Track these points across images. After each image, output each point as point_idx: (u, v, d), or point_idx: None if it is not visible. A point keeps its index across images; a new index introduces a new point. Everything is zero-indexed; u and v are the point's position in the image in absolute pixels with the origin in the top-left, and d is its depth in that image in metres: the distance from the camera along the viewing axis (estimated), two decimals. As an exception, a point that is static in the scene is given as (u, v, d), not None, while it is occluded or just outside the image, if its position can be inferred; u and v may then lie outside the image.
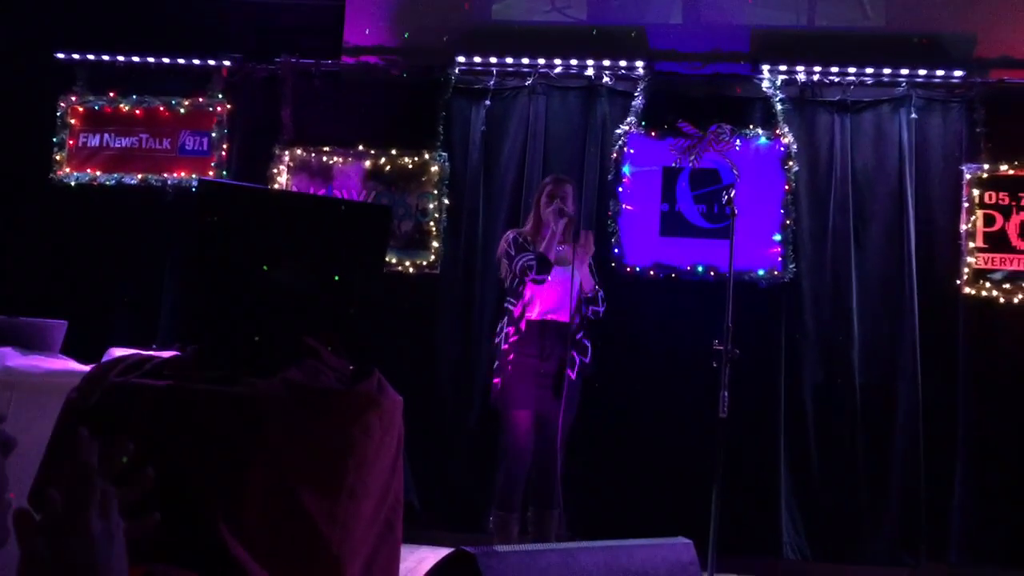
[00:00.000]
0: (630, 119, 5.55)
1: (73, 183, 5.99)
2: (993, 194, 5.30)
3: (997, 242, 5.27)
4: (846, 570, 5.21)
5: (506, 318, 4.46)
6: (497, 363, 4.48)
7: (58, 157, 6.01)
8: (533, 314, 4.42)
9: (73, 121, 6.04)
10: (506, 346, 4.40)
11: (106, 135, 6.03)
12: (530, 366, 4.35)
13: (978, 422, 5.24)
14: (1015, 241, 5.26)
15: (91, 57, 6.07)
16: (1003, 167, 5.30)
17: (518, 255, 4.41)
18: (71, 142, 6.03)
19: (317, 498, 2.38)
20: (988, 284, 5.25)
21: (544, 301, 4.44)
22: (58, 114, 6.02)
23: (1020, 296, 5.22)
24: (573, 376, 4.40)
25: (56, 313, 4.26)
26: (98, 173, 5.99)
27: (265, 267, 2.45)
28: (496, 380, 4.44)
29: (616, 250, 5.45)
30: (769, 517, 5.24)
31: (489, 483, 5.39)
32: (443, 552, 2.62)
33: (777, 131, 5.44)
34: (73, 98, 6.04)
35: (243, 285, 2.53)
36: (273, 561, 2.34)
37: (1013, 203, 5.28)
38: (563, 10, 5.89)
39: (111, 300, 5.84)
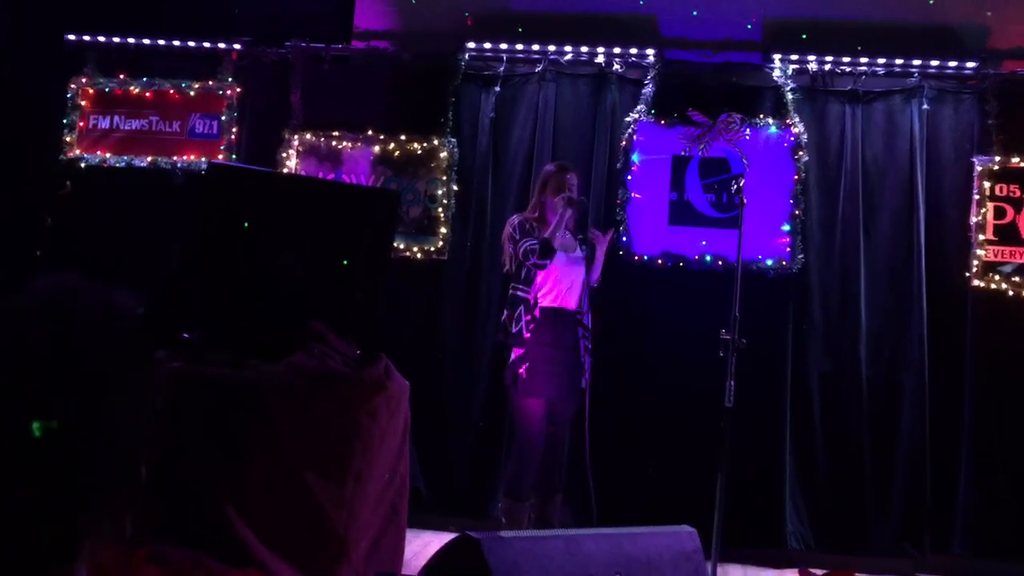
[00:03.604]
0: (640, 107, 5.53)
1: (83, 165, 6.01)
2: (1004, 187, 5.27)
3: (1007, 235, 5.25)
4: (850, 561, 5.20)
5: (522, 306, 4.43)
6: (521, 351, 4.40)
7: (68, 139, 6.02)
8: (545, 301, 4.43)
9: (83, 103, 6.04)
10: (528, 334, 4.37)
11: (116, 117, 6.03)
12: (544, 355, 4.36)
13: (984, 415, 5.22)
14: (1025, 234, 5.24)
15: (101, 39, 6.07)
16: (1015, 159, 5.26)
17: (523, 239, 4.43)
18: (81, 124, 6.04)
19: (323, 481, 2.40)
20: (997, 277, 5.23)
21: (555, 289, 4.45)
22: (68, 96, 6.03)
23: (1029, 289, 5.20)
24: (587, 373, 4.47)
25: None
26: (108, 155, 6.00)
27: (274, 253, 2.46)
28: (522, 370, 4.38)
29: (624, 238, 5.44)
30: (773, 507, 5.25)
31: (494, 468, 5.40)
32: (448, 537, 2.63)
33: (787, 121, 5.42)
34: (83, 80, 6.04)
35: (251, 269, 2.54)
36: (279, 542, 2.36)
37: (1024, 196, 5.26)
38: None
39: (119, 282, 5.85)
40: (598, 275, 4.69)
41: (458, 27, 5.84)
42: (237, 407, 2.40)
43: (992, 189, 5.26)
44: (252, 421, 2.37)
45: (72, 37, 6.05)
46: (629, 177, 5.48)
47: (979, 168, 5.29)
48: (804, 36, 5.57)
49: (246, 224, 2.56)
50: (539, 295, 4.45)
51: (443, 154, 5.68)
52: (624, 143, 5.51)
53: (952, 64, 5.41)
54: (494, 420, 5.41)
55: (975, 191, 5.29)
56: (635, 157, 5.49)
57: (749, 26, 5.60)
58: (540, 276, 4.44)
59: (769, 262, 5.34)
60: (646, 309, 5.41)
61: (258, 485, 2.37)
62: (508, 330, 4.49)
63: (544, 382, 4.37)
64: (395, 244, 5.46)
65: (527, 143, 5.71)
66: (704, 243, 5.41)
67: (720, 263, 5.37)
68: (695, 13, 5.66)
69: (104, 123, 6.04)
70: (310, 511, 2.43)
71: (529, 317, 4.41)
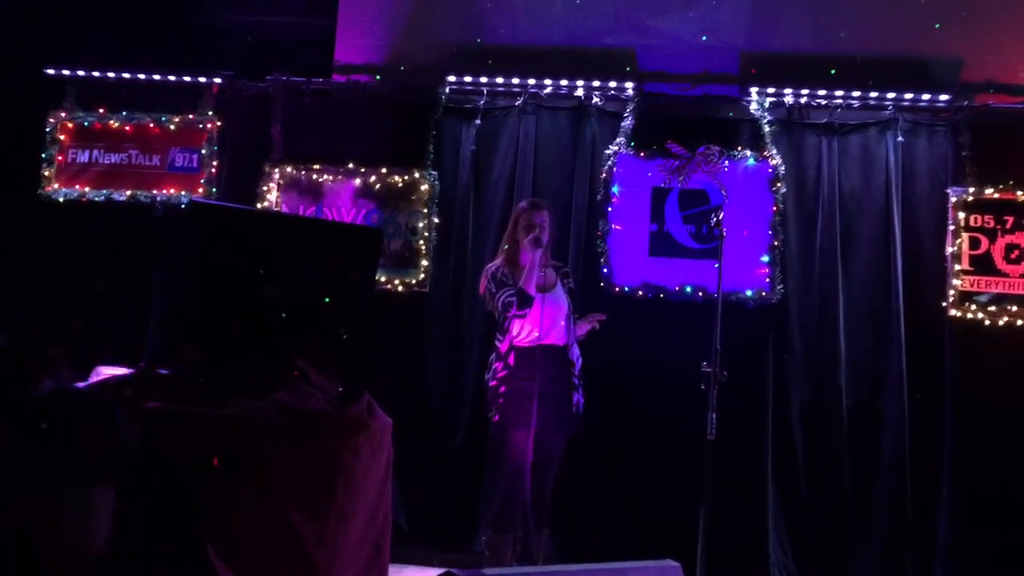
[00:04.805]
0: (619, 139, 5.58)
1: (62, 199, 5.98)
2: (978, 217, 5.34)
3: (982, 265, 5.31)
4: (833, 591, 5.22)
5: (494, 355, 4.51)
6: (489, 397, 4.49)
7: (47, 173, 5.99)
8: (525, 341, 4.44)
9: (62, 137, 6.03)
10: (494, 382, 4.44)
11: (95, 151, 6.02)
12: (526, 389, 4.36)
13: (964, 443, 5.26)
14: (1000, 264, 5.30)
15: (81, 73, 6.06)
16: (988, 190, 5.34)
17: (499, 291, 4.45)
18: (60, 158, 6.02)
19: (306, 519, 2.38)
20: (974, 306, 5.29)
21: (537, 327, 4.46)
22: (47, 130, 6.01)
23: (1006, 319, 5.26)
24: (580, 406, 4.50)
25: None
26: (87, 189, 5.98)
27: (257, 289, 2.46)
28: (495, 416, 4.45)
29: (605, 270, 5.46)
30: (756, 538, 5.25)
31: (477, 502, 5.37)
32: (430, 572, 2.61)
33: (765, 153, 5.48)
34: (63, 114, 6.03)
35: (233, 306, 2.53)
36: (261, 583, 2.33)
37: (998, 226, 5.32)
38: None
39: (99, 317, 5.81)
40: (583, 334, 4.66)
41: (439, 61, 5.87)
42: (220, 445, 2.39)
43: (967, 220, 5.33)
44: (235, 459, 2.36)
45: (51, 71, 6.04)
46: (609, 209, 5.51)
47: (953, 199, 5.36)
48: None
49: (227, 261, 2.56)
50: (520, 335, 4.47)
51: (424, 187, 5.70)
52: (604, 175, 5.55)
53: (926, 97, 5.50)
54: (477, 453, 5.39)
55: (950, 222, 5.36)
56: (615, 189, 5.52)
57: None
58: (518, 319, 4.47)
59: (749, 293, 5.37)
60: (626, 340, 5.41)
61: (241, 524, 2.35)
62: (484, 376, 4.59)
63: (527, 415, 4.37)
64: (377, 277, 5.46)
65: (507, 175, 5.73)
66: (684, 274, 5.44)
67: (700, 294, 5.40)
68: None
69: (83, 157, 6.02)
70: (292, 550, 2.41)
71: (500, 365, 4.46)
